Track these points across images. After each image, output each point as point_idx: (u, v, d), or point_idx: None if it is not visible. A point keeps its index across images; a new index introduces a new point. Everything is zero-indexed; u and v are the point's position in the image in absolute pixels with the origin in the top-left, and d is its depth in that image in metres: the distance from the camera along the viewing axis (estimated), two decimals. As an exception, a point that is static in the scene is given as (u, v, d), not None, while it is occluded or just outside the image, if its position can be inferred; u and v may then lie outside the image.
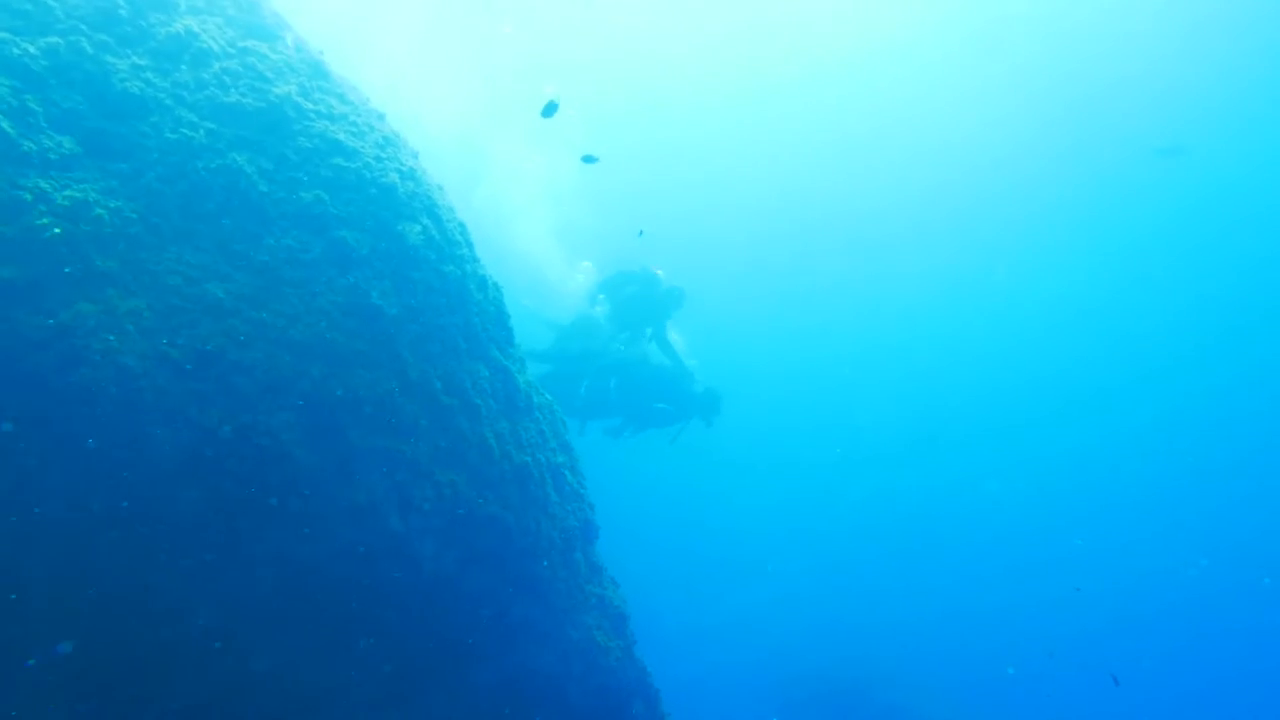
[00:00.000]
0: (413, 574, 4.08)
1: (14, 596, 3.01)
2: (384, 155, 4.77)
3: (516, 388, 5.31)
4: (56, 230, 3.28)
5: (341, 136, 4.54)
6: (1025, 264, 37.13)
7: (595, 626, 5.37)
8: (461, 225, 5.32)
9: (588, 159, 7.12)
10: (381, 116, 5.12)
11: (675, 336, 10.29)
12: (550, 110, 6.06)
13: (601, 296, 10.32)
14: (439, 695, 4.36)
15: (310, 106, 4.51)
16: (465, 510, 4.37)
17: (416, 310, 4.48)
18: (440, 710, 4.35)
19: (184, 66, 4.11)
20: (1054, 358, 40.21)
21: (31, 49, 3.54)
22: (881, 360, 42.18)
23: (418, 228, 4.66)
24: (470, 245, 5.34)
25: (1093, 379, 40.07)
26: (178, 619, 3.32)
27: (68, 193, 3.40)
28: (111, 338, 3.29)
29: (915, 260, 36.99)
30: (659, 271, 10.04)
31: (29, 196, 3.27)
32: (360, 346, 4.05)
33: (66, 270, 3.27)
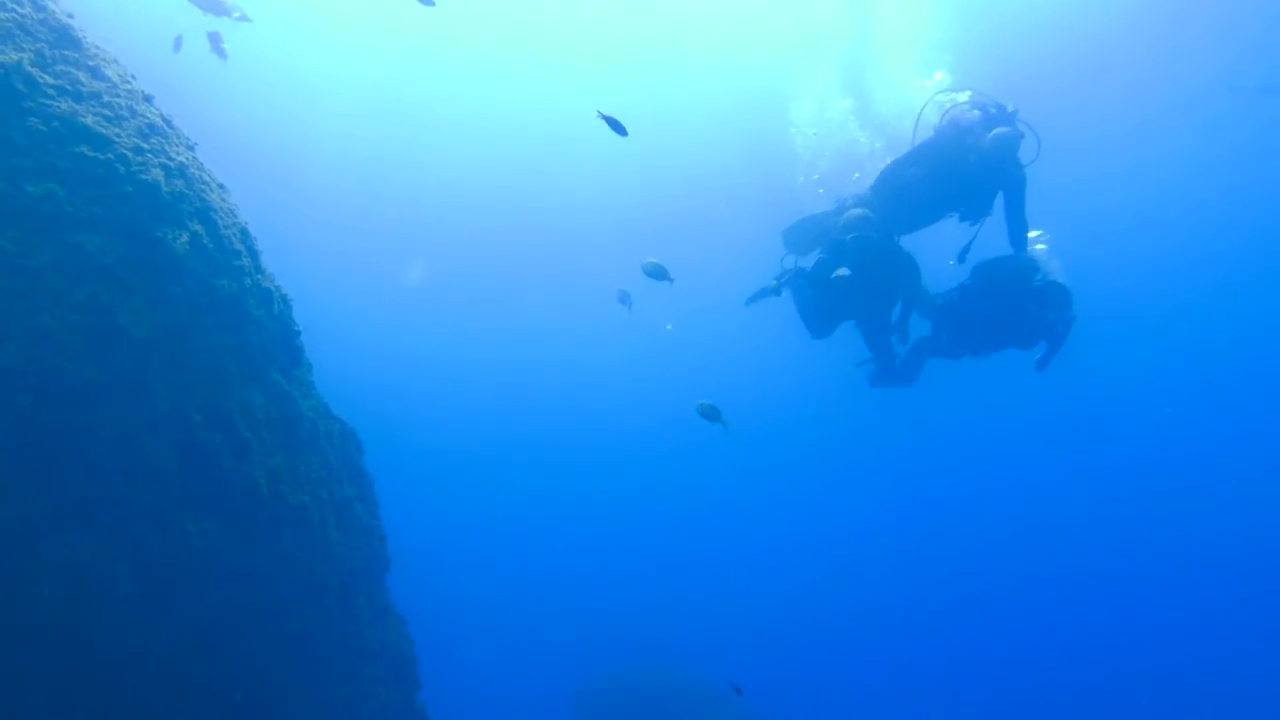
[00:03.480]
0: (147, 644, 3.51)
1: None
2: (146, 146, 4.11)
3: (299, 415, 4.79)
4: None
5: (89, 120, 3.85)
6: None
7: (377, 679, 4.97)
8: (243, 231, 4.72)
9: None
10: (149, 99, 4.42)
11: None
12: None
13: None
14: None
15: (49, 81, 3.78)
16: (221, 564, 3.84)
17: (175, 331, 3.89)
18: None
19: None
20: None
21: None
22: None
23: (184, 235, 4.05)
24: (254, 254, 4.75)
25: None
26: None
27: None
28: None
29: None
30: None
31: None
32: (92, 374, 3.43)
33: None
